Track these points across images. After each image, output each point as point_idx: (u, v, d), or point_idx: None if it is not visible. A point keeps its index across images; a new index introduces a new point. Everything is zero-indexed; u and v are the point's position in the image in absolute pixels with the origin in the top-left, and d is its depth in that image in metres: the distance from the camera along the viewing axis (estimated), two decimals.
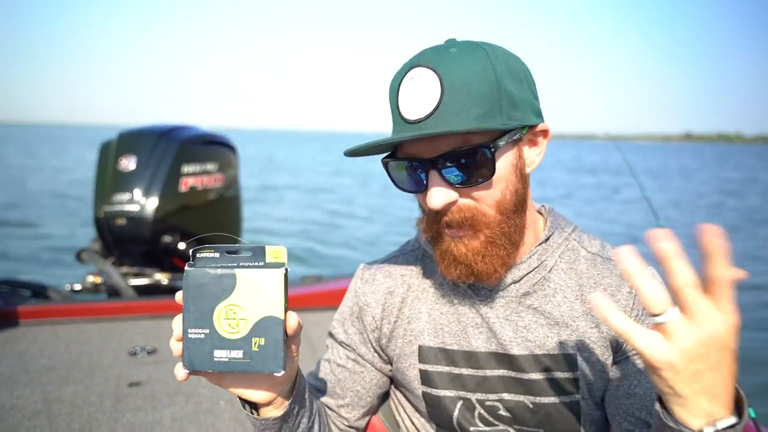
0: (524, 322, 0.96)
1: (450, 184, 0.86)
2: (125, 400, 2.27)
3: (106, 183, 3.56)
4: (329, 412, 1.09)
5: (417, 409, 1.07)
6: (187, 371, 0.75)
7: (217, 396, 2.36)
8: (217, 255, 0.76)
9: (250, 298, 0.74)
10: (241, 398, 0.84)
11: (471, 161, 0.84)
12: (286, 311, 0.74)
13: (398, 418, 1.15)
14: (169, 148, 3.65)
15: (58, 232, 10.82)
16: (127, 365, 2.60)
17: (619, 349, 0.94)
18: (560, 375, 0.95)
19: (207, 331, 0.74)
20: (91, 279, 3.56)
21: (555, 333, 0.95)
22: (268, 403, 0.84)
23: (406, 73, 0.87)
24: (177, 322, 0.76)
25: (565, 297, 0.96)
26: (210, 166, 3.85)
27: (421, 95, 0.84)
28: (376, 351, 1.08)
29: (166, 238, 3.62)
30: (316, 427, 0.95)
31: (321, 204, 16.23)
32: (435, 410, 1.03)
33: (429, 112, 0.83)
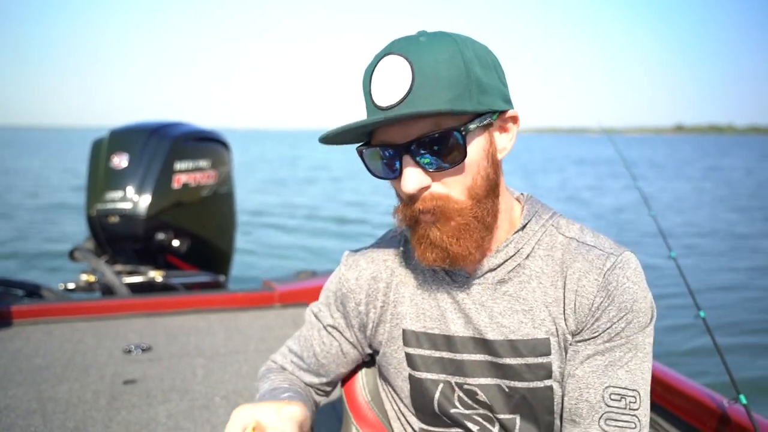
0: (499, 308, 0.98)
1: (423, 169, 0.88)
2: (120, 398, 2.27)
3: (98, 181, 3.55)
4: (309, 388, 1.18)
5: (401, 396, 1.10)
6: None
7: (213, 392, 2.36)
8: None
9: None
10: None
11: (443, 145, 0.86)
12: None
13: (387, 406, 1.18)
14: (161, 145, 3.64)
15: (51, 231, 10.78)
16: (121, 363, 2.59)
17: (576, 333, 0.96)
18: (533, 360, 0.97)
19: None
20: (84, 278, 3.55)
21: (529, 319, 0.97)
22: None
23: (378, 62, 0.88)
24: None
25: (540, 283, 0.97)
26: (203, 163, 3.84)
27: (393, 82, 0.86)
28: (357, 335, 1.12)
29: (160, 236, 3.61)
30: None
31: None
32: (417, 393, 1.05)
33: (401, 98, 0.85)
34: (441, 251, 0.91)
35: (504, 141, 0.96)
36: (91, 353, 2.68)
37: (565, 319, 0.96)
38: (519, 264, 0.98)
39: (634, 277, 0.94)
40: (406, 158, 0.88)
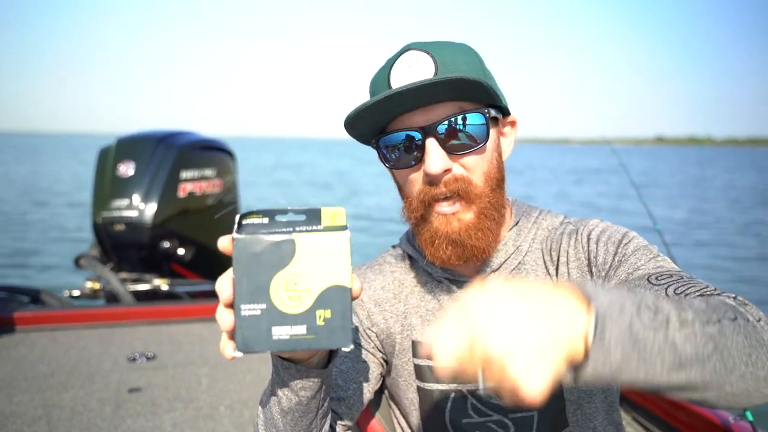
0: None
1: (446, 152, 0.90)
2: (125, 406, 2.27)
3: (104, 189, 3.57)
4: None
5: (410, 410, 1.08)
6: (241, 353, 0.66)
7: (217, 401, 2.36)
8: (266, 220, 0.68)
9: (312, 266, 0.65)
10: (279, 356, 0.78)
11: (467, 127, 0.90)
12: (351, 278, 0.67)
13: (394, 424, 1.16)
14: (168, 153, 3.66)
15: (55, 237, 10.80)
16: (126, 371, 2.60)
17: (598, 268, 0.94)
18: None
19: (264, 306, 0.65)
20: (89, 285, 3.56)
21: None
22: (306, 360, 0.78)
23: (397, 58, 0.92)
24: (224, 284, 0.67)
25: (536, 275, 1.00)
26: (208, 172, 3.86)
27: (417, 71, 0.89)
28: (373, 342, 1.09)
29: (165, 244, 3.62)
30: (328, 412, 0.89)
31: None
32: (427, 406, 1.04)
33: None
34: (456, 246, 0.92)
35: (505, 144, 1.01)
36: (95, 361, 2.68)
37: None
38: (520, 261, 1.01)
39: (606, 224, 0.99)
40: (431, 141, 0.89)
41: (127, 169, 3.58)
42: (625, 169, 2.71)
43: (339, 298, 0.66)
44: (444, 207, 0.91)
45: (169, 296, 3.57)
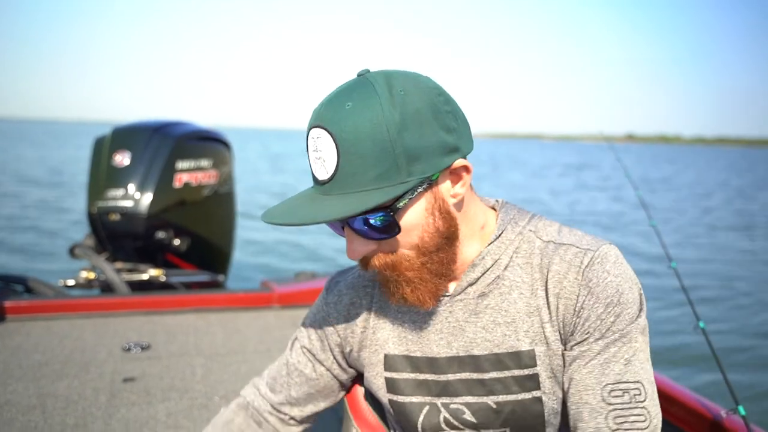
0: (483, 322, 0.97)
1: (364, 237, 0.90)
2: (120, 396, 2.27)
3: (99, 178, 3.55)
4: (270, 410, 1.15)
5: (388, 418, 1.12)
6: None
7: (212, 392, 2.36)
8: None
9: None
10: None
11: (374, 223, 0.87)
12: None
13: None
14: (164, 143, 3.65)
15: (50, 226, 10.76)
16: (121, 361, 2.59)
17: (566, 338, 0.94)
18: (520, 372, 0.95)
19: None
20: (84, 274, 3.55)
21: (512, 330, 0.95)
22: None
23: (309, 131, 0.88)
24: None
25: (521, 293, 0.95)
26: (204, 163, 3.85)
27: (321, 157, 0.87)
28: (335, 359, 1.12)
29: (160, 234, 3.62)
30: None
31: None
32: (401, 417, 1.05)
33: (330, 176, 0.86)
34: (399, 296, 0.94)
35: (456, 188, 0.91)
36: (90, 350, 2.68)
37: (552, 326, 0.94)
38: (498, 276, 0.96)
39: (615, 270, 0.91)
40: (347, 229, 0.91)
41: (122, 158, 3.57)
42: (622, 166, 2.71)
43: None
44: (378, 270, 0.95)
45: (164, 286, 3.57)
